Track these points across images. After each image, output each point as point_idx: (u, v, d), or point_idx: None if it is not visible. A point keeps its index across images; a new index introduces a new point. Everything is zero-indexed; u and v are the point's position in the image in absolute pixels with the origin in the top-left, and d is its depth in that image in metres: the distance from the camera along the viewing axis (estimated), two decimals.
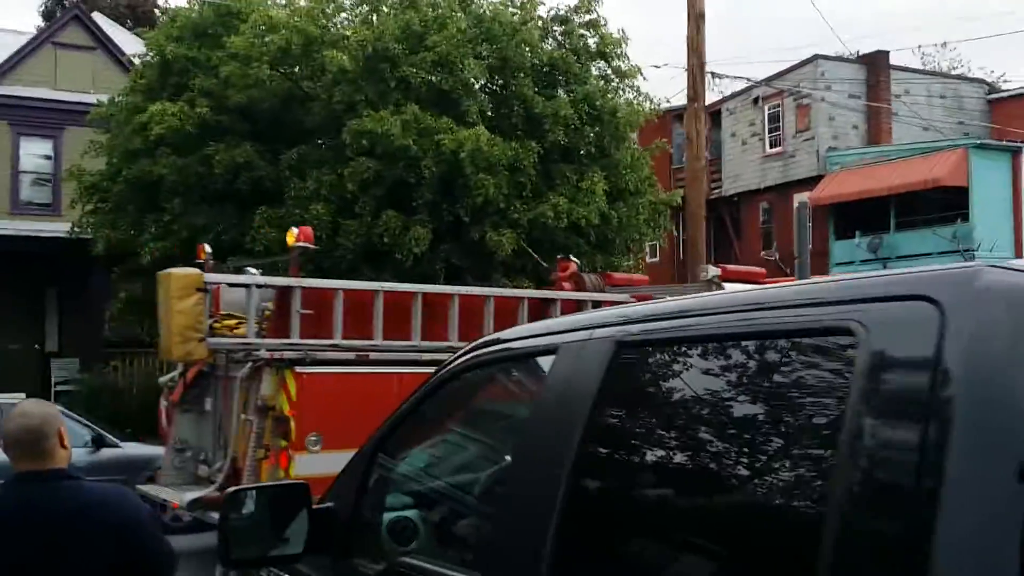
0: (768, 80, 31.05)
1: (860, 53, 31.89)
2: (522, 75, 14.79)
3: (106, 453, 11.80)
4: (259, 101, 14.69)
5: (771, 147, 31.75)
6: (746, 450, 1.93)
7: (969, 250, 26.17)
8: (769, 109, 31.64)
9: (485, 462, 3.17)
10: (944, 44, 63.45)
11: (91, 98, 17.95)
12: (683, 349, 2.07)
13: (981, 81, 32.72)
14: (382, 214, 13.43)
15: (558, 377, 2.39)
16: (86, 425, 12.13)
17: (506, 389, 3.08)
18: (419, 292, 9.10)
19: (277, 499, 3.25)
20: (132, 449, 12.31)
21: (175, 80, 15.34)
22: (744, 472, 1.91)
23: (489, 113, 14.50)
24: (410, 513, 3.22)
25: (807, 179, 30.37)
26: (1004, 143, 27.07)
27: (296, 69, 15.19)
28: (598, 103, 15.09)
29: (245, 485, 3.00)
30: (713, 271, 10.66)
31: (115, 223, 15.51)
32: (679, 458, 2.10)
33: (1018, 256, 26.81)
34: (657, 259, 29.67)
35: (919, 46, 46.37)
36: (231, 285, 8.76)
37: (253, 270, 9.09)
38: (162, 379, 9.96)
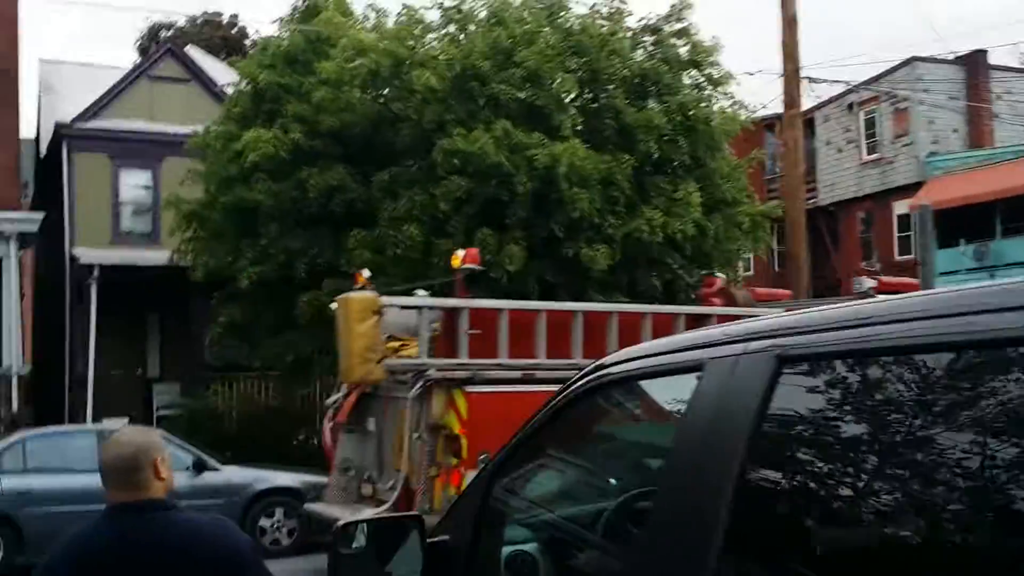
0: (864, 84, 30.19)
1: (956, 54, 30.83)
2: (613, 87, 14.56)
3: (207, 477, 11.93)
4: (350, 125, 14.73)
5: (868, 154, 30.91)
6: (942, 476, 1.66)
7: None
8: (865, 115, 30.82)
9: (613, 490, 2.93)
10: None
11: (187, 129, 18.29)
12: (861, 362, 1.81)
13: None
14: (475, 233, 13.30)
15: (707, 397, 2.14)
16: (187, 449, 12.26)
17: (638, 411, 2.83)
18: (579, 311, 9.40)
19: (389, 532, 3.07)
20: (232, 472, 12.40)
21: (268, 107, 15.50)
22: (939, 502, 1.64)
23: (580, 127, 14.27)
24: (529, 547, 3.00)
25: (907, 186, 29.45)
26: None
27: (386, 91, 15.22)
28: (691, 112, 14.76)
29: (360, 517, 2.77)
30: (868, 283, 10.30)
31: (213, 249, 15.72)
32: (858, 483, 1.83)
33: None
34: (751, 272, 29.04)
35: (1016, 43, 44.61)
36: (403, 308, 9.11)
37: (422, 292, 9.74)
38: (328, 401, 10.31)
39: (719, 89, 15.53)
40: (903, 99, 29.65)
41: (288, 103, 15.03)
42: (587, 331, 9.20)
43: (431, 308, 8.93)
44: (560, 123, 13.74)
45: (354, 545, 2.93)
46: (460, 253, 10.20)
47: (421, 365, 8.59)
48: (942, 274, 28.71)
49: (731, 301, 10.57)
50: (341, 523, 2.94)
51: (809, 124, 30.66)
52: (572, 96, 14.50)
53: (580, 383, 2.73)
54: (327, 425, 10.10)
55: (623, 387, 2.71)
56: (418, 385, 8.47)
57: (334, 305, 9.73)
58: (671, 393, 2.48)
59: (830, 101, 31.43)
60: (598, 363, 2.74)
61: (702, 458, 2.04)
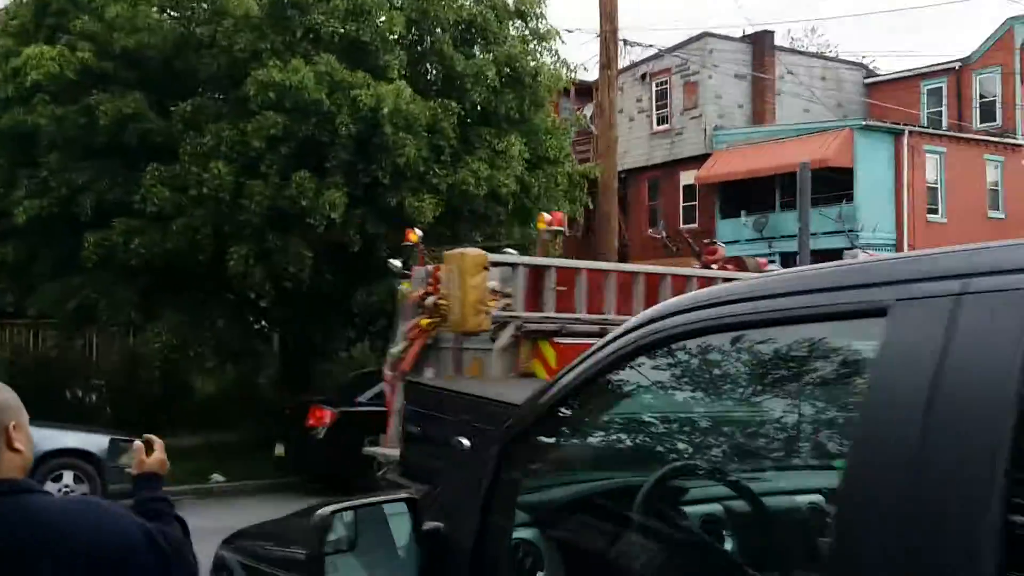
0: (657, 56, 30.87)
1: (745, 32, 32.07)
2: (440, 30, 13.89)
3: None
4: (148, 47, 13.29)
5: (658, 124, 31.66)
6: None
7: (853, 231, 26.70)
8: (657, 86, 31.52)
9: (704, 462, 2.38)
10: (813, 29, 65.24)
11: None
12: None
13: (860, 65, 33.44)
14: (292, 175, 12.34)
15: (914, 347, 1.64)
16: None
17: (722, 369, 2.28)
18: (640, 272, 10.68)
19: (378, 519, 2.43)
20: None
21: (52, 21, 13.75)
22: None
23: (405, 71, 13.51)
24: (530, 534, 2.45)
25: (694, 157, 30.41)
26: (888, 124, 27.66)
27: (189, 13, 13.85)
28: (517, 65, 14.33)
29: (338, 504, 2.08)
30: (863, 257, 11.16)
31: None
32: None
33: (898, 238, 27.51)
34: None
35: (788, 31, 47.27)
36: (495, 265, 9.62)
37: (511, 251, 10.89)
38: (393, 351, 10.60)
39: (543, 44, 15.16)
40: (694, 72, 30.56)
41: (76, 18, 13.38)
42: (647, 291, 10.22)
43: (524, 266, 9.86)
44: (386, 64, 12.96)
45: (334, 537, 2.27)
46: (546, 216, 11.19)
47: (518, 317, 9.42)
48: (724, 243, 29.96)
49: (743, 268, 11.64)
50: (321, 512, 2.25)
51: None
52: (397, 36, 13.71)
53: (631, 337, 2.17)
54: (387, 374, 10.68)
55: (700, 340, 2.17)
56: (509, 336, 9.25)
57: (396, 262, 11.05)
58: (803, 347, 1.97)
59: (624, 70, 31.94)
60: (657, 312, 2.19)
61: (940, 427, 1.54)
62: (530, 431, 2.36)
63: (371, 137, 12.59)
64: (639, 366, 2.17)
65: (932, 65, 32.03)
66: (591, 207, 16.40)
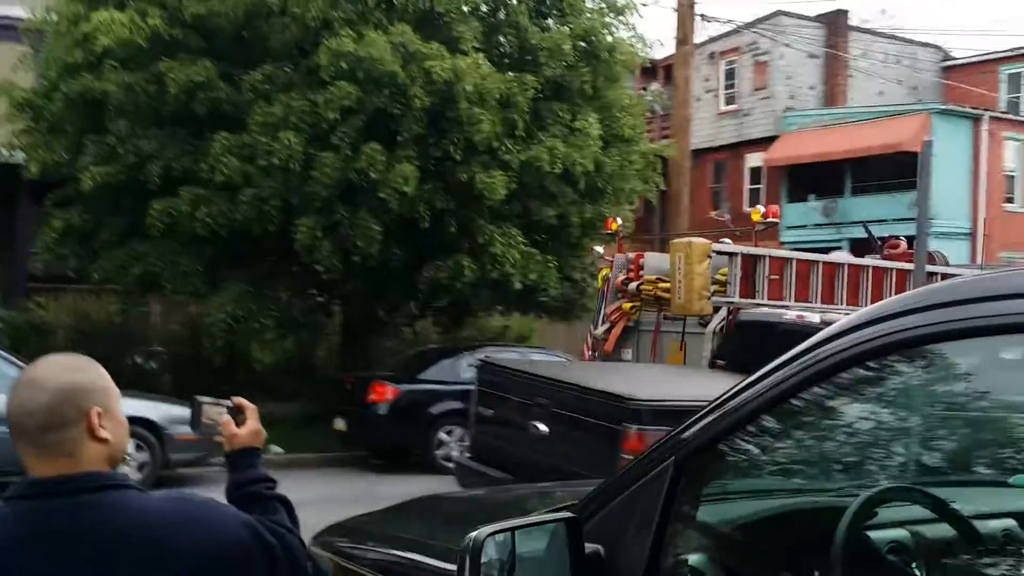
0: (727, 35, 30.17)
1: (818, 13, 31.21)
2: (515, 1, 13.49)
3: None
4: (219, 14, 13.05)
5: (726, 104, 30.99)
6: None
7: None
8: (726, 64, 30.83)
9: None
10: (884, 11, 63.58)
11: (18, 10, 15.95)
12: None
13: (936, 47, 32.39)
14: (363, 148, 12.06)
15: None
16: (13, 363, 10.53)
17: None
18: (843, 264, 11.45)
19: (532, 542, 2.11)
20: None
21: None
22: None
23: (479, 43, 13.14)
24: (707, 560, 2.11)
25: (762, 139, 29.76)
26: (966, 109, 26.75)
27: None
28: (593, 39, 13.89)
29: (493, 526, 1.74)
30: None
31: (51, 144, 13.75)
32: None
33: (973, 226, 26.65)
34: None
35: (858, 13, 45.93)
36: (719, 253, 10.55)
37: (727, 240, 11.77)
38: (596, 332, 11.47)
39: (620, 18, 14.68)
40: (764, 52, 29.80)
41: None
42: (850, 282, 11.11)
43: (741, 255, 10.63)
44: (460, 35, 12.60)
45: (492, 557, 1.97)
46: (760, 208, 11.94)
47: (733, 302, 10.35)
48: (790, 228, 29.31)
49: (931, 262, 12.32)
50: (477, 535, 1.94)
51: (668, 71, 30.38)
52: (472, 7, 13.35)
53: (851, 338, 1.81)
54: (586, 354, 11.48)
55: (944, 345, 1.77)
56: (719, 319, 10.14)
57: (599, 248, 12.78)
58: None
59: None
60: (884, 309, 1.83)
61: None
62: (712, 443, 2.02)
63: (444, 111, 12.27)
64: (860, 372, 1.82)
65: (1013, 49, 30.91)
66: (664, 188, 15.92)
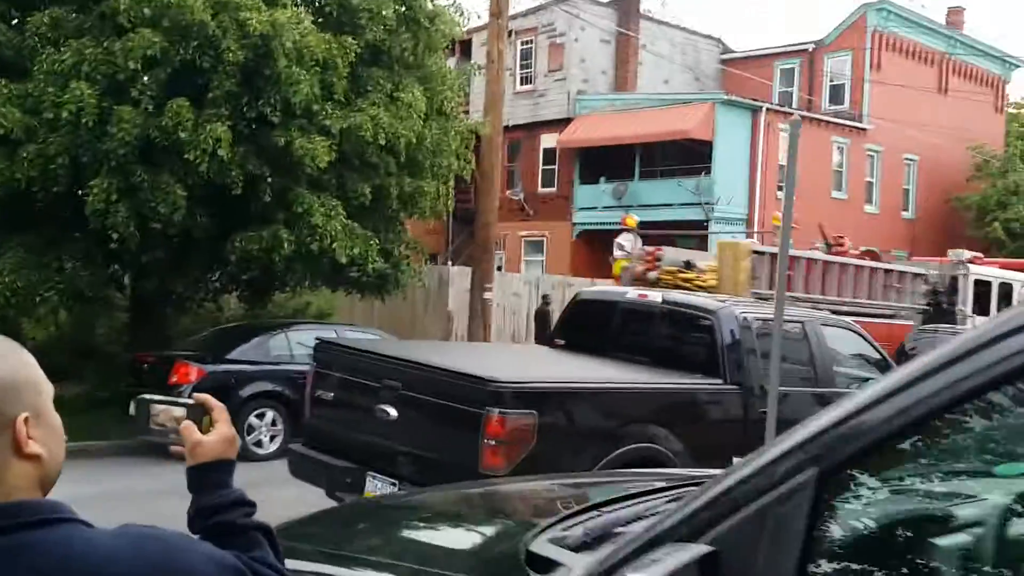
0: (524, 15, 30.23)
1: None
2: None
3: None
4: None
5: (522, 84, 31.05)
6: None
7: (709, 203, 26.95)
8: (522, 44, 30.86)
9: None
10: (664, 3, 65.89)
11: None
12: None
13: (717, 39, 33.78)
14: (168, 103, 10.97)
15: None
16: None
17: None
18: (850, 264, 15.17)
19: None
20: None
21: None
22: None
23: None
24: None
25: (557, 120, 30.04)
26: (748, 100, 27.99)
27: None
28: (416, 3, 13.32)
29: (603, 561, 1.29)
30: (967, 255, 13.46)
31: None
32: None
33: (750, 212, 27.98)
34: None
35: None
36: (758, 253, 13.46)
37: (755, 239, 14.68)
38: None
39: None
40: (560, 34, 30.07)
41: None
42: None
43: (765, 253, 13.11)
44: None
45: None
46: (778, 214, 13.07)
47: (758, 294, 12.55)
48: (581, 209, 29.81)
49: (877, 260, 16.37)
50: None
51: (466, 47, 30.16)
52: None
53: None
54: None
55: None
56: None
57: (623, 241, 15.41)
58: None
59: (487, 26, 31.15)
60: None
61: None
62: (870, 451, 1.61)
63: (260, 68, 11.35)
64: None
65: (787, 45, 32.71)
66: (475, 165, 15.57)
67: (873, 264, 16.14)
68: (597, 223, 29.11)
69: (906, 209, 32.80)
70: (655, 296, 8.69)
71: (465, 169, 14.73)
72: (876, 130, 30.78)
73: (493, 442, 6.55)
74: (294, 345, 12.29)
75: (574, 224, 29.82)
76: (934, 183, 33.10)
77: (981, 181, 32.98)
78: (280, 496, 7.17)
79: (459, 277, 19.98)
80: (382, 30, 12.74)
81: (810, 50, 32.28)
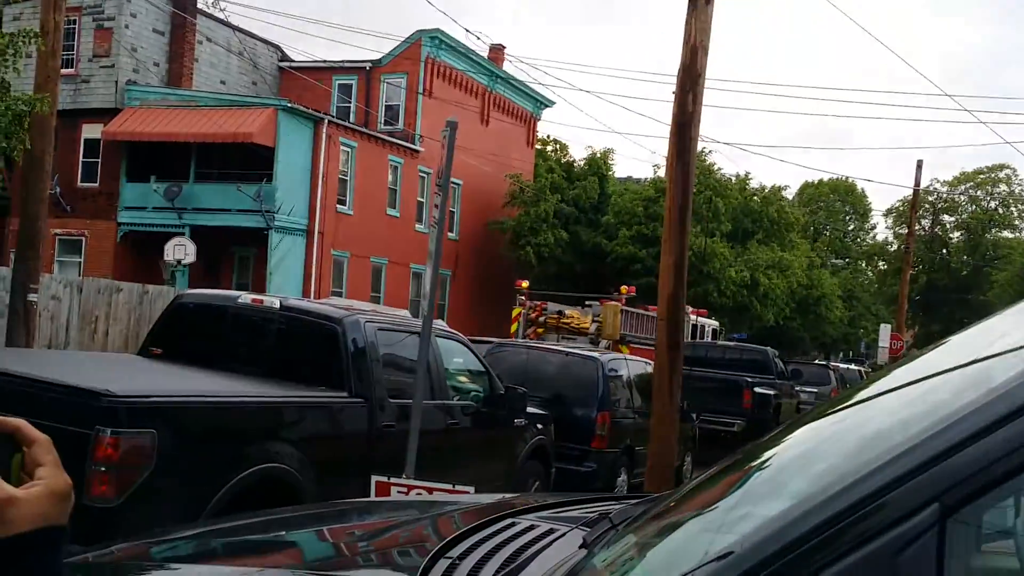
0: None
1: None
2: None
3: None
4: None
5: (64, 67, 28.09)
6: None
7: (271, 211, 26.33)
8: (65, 24, 27.92)
9: None
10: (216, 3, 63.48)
11: None
12: None
13: (276, 46, 33.25)
14: None
15: None
16: None
17: None
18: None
19: None
20: None
21: None
22: None
23: None
24: None
25: (102, 110, 27.67)
26: (312, 110, 27.81)
27: None
28: None
29: None
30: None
31: None
32: None
33: (310, 224, 27.77)
34: None
35: None
36: (624, 311, 22.52)
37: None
38: None
39: None
40: (109, 18, 27.78)
41: None
42: None
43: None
44: None
45: None
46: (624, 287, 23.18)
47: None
48: (127, 208, 27.64)
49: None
50: None
51: None
52: None
53: None
54: None
55: None
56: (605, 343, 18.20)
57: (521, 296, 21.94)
58: None
59: None
60: None
61: None
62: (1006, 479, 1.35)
63: None
64: None
65: (345, 61, 33.04)
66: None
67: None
68: (146, 224, 27.17)
69: (452, 230, 34.59)
70: (272, 301, 8.09)
71: (17, 150, 12.84)
72: (427, 153, 32.11)
73: (103, 468, 5.62)
74: None
75: (119, 224, 27.56)
76: (476, 207, 35.25)
77: (516, 207, 35.71)
78: None
79: None
80: None
81: (368, 68, 32.89)
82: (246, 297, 8.33)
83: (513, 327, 21.19)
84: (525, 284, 21.68)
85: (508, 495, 3.50)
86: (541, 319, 20.05)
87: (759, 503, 1.53)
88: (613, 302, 21.09)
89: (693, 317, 25.78)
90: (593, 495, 3.42)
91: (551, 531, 2.29)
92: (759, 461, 1.82)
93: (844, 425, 1.73)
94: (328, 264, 28.36)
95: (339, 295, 27.31)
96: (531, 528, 2.32)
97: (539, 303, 20.99)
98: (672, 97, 11.35)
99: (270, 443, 6.63)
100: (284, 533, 2.60)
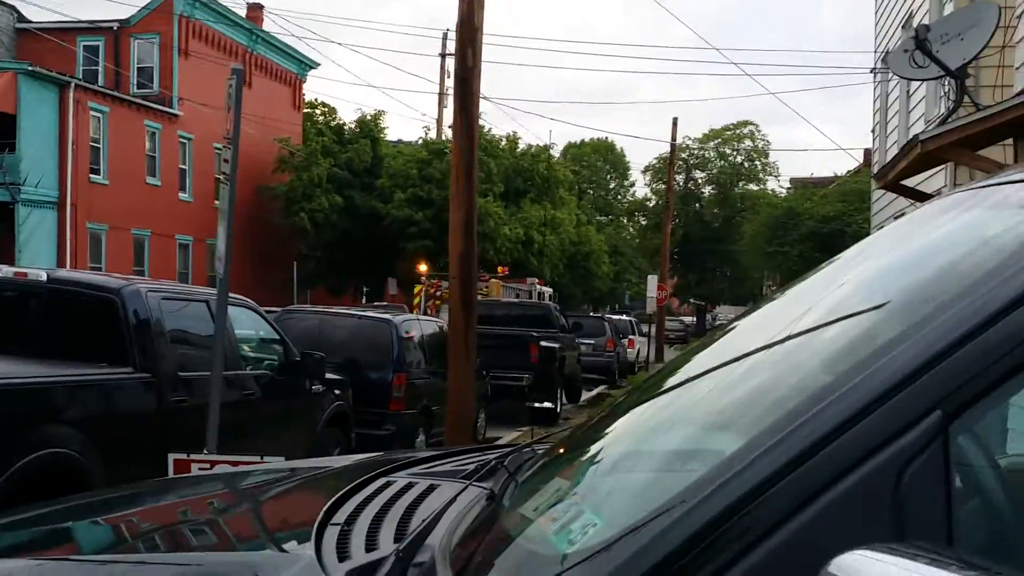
0: None
1: None
2: None
3: None
4: None
5: None
6: None
7: (16, 184, 24.25)
8: None
9: None
10: None
11: None
12: None
13: (11, 6, 30.50)
14: None
15: None
16: None
17: None
18: None
19: None
20: None
21: None
22: None
23: None
24: None
25: None
26: (54, 74, 25.73)
27: None
28: None
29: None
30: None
31: None
32: None
33: (61, 195, 25.82)
34: None
35: None
36: (506, 287, 26.70)
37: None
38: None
39: None
40: None
41: None
42: None
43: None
44: None
45: None
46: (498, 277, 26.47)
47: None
48: None
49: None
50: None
51: None
52: None
53: None
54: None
55: None
56: None
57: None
58: None
59: None
60: None
61: None
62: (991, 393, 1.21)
63: None
64: None
65: (90, 22, 30.78)
66: None
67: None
68: None
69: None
70: (38, 273, 7.32)
71: None
72: (187, 117, 30.52)
73: None
74: None
75: None
76: (245, 174, 33.76)
77: (287, 173, 34.63)
78: None
79: None
80: None
81: (115, 28, 30.80)
82: (7, 270, 7.52)
83: (416, 300, 24.24)
84: (425, 268, 26.00)
85: (361, 456, 3.24)
86: (438, 293, 22.85)
87: (734, 422, 1.37)
88: (496, 279, 25.40)
89: (538, 287, 28.35)
90: (439, 451, 3.24)
91: (432, 487, 2.08)
92: (698, 380, 1.67)
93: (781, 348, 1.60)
94: (84, 238, 26.49)
95: (98, 271, 25.58)
96: (411, 485, 2.09)
97: (436, 280, 23.99)
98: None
99: (46, 427, 6.02)
100: (129, 512, 2.24)
